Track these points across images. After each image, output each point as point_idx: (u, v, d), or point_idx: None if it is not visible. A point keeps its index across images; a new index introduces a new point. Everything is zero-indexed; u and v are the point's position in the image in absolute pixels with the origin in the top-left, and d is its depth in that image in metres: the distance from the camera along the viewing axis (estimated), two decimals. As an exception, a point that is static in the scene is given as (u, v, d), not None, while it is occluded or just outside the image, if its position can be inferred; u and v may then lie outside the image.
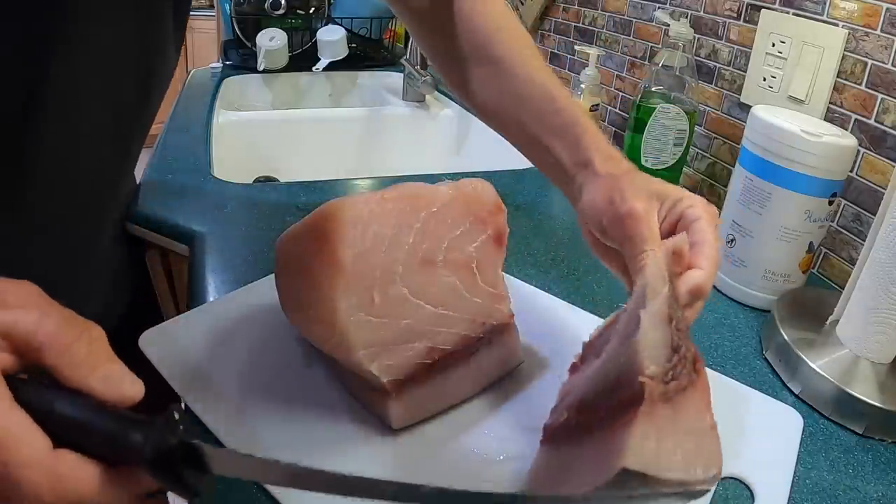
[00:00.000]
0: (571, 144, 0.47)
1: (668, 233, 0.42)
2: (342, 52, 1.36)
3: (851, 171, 0.64)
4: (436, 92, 1.28)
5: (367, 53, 1.46)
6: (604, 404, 0.30)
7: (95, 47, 0.43)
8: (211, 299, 0.54)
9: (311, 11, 1.38)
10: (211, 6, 1.45)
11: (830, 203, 0.57)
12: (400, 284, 0.40)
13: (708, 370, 0.50)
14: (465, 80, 0.56)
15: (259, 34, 1.30)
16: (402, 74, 1.28)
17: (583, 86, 0.91)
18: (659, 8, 0.89)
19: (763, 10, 0.73)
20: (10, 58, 0.39)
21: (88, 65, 0.43)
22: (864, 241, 0.51)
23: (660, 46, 0.91)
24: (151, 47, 0.49)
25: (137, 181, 0.75)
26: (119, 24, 0.44)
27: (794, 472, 0.42)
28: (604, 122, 1.05)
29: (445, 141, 1.26)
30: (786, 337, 0.52)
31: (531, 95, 0.51)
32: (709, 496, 0.39)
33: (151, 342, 0.47)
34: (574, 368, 0.39)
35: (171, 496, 0.89)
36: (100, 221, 0.57)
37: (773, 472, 0.41)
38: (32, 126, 0.42)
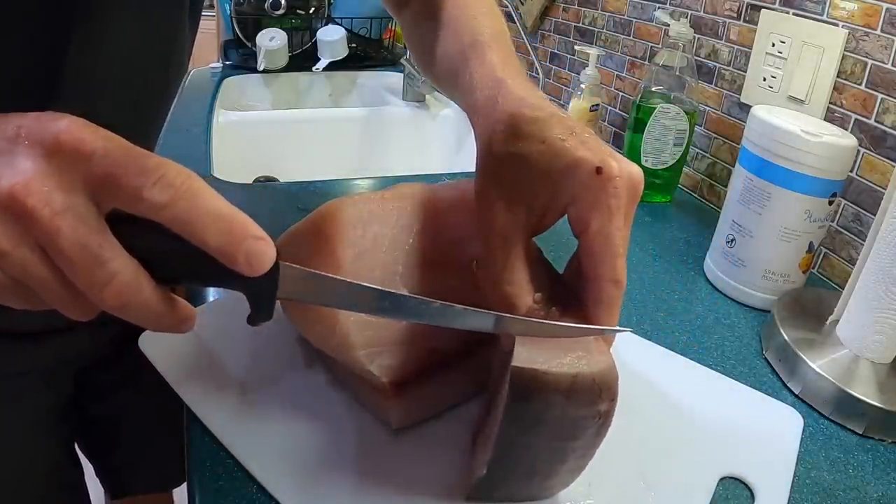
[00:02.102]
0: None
1: (545, 224, 0.36)
2: (342, 52, 1.36)
3: (851, 171, 0.64)
4: (436, 92, 1.28)
5: (367, 53, 1.46)
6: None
7: (113, 36, 0.43)
8: (211, 299, 0.54)
9: (311, 11, 1.38)
10: (211, 6, 1.45)
11: (830, 203, 0.57)
12: (400, 284, 0.40)
13: (708, 370, 0.51)
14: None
15: (259, 34, 1.31)
16: (402, 74, 1.28)
17: (583, 86, 0.91)
18: (659, 8, 0.89)
19: (763, 10, 0.73)
20: (28, 46, 0.39)
21: (106, 53, 0.43)
22: (864, 241, 0.51)
23: (660, 46, 0.91)
24: (168, 36, 0.49)
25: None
26: (136, 13, 0.44)
27: (794, 472, 0.42)
28: (604, 122, 1.05)
29: (445, 141, 1.26)
30: (786, 337, 0.52)
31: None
32: (709, 496, 0.39)
33: (151, 342, 0.47)
34: None
35: (175, 497, 0.89)
36: None
37: (773, 472, 0.41)
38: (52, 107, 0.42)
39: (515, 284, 0.34)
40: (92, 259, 0.26)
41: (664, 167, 0.80)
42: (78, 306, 0.28)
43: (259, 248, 0.27)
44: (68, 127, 0.26)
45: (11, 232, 0.25)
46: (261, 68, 1.32)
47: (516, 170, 0.34)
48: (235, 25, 1.34)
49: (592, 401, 0.30)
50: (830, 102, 0.67)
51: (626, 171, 0.33)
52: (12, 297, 0.28)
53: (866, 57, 0.62)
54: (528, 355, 0.30)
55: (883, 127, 0.61)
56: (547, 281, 0.36)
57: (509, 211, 0.34)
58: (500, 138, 0.35)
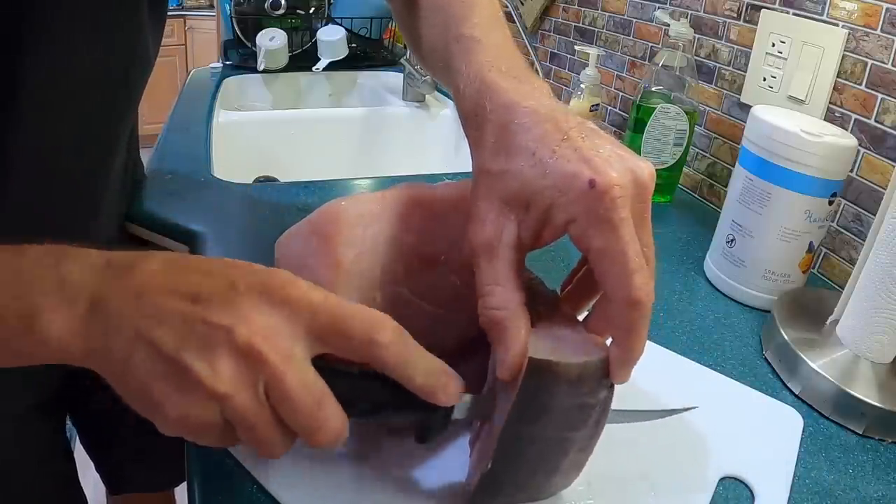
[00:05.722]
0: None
1: (544, 239, 0.33)
2: (342, 52, 1.36)
3: (851, 171, 0.64)
4: (436, 92, 1.28)
5: (367, 53, 1.46)
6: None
7: (66, 44, 0.43)
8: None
9: (311, 11, 1.38)
10: (211, 6, 1.46)
11: (830, 203, 0.57)
12: (400, 284, 0.40)
13: (708, 370, 0.51)
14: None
15: (259, 34, 1.30)
16: (402, 74, 1.28)
17: (583, 86, 0.91)
18: (659, 8, 0.88)
19: (763, 10, 0.73)
20: None
21: (60, 61, 0.43)
22: (864, 241, 0.51)
23: (660, 46, 0.91)
24: (125, 40, 0.49)
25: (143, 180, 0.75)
26: (88, 21, 0.44)
27: (794, 472, 0.42)
28: (604, 122, 1.05)
29: (445, 141, 1.26)
30: (786, 337, 0.52)
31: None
32: (709, 496, 0.39)
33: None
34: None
35: (176, 496, 0.89)
36: (95, 214, 0.56)
37: (773, 472, 0.41)
38: (11, 118, 0.42)
39: (505, 309, 0.32)
40: (314, 403, 0.29)
41: (664, 167, 0.80)
42: (280, 446, 0.30)
43: (454, 384, 0.32)
44: (294, 282, 0.30)
45: (242, 376, 0.28)
46: (261, 68, 1.32)
47: (507, 186, 0.32)
48: (235, 25, 1.34)
49: (594, 388, 0.32)
50: (830, 102, 0.67)
51: (627, 173, 0.31)
52: (214, 436, 0.30)
53: (866, 57, 0.62)
54: (535, 347, 0.31)
55: (883, 127, 0.61)
56: (545, 308, 0.36)
57: (498, 228, 0.32)
58: (490, 155, 0.34)
